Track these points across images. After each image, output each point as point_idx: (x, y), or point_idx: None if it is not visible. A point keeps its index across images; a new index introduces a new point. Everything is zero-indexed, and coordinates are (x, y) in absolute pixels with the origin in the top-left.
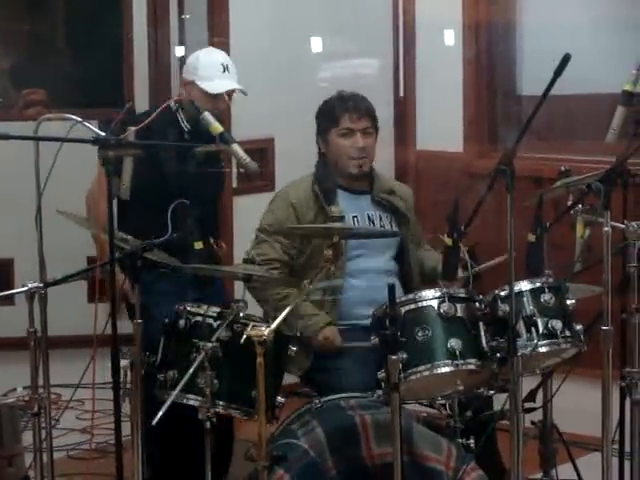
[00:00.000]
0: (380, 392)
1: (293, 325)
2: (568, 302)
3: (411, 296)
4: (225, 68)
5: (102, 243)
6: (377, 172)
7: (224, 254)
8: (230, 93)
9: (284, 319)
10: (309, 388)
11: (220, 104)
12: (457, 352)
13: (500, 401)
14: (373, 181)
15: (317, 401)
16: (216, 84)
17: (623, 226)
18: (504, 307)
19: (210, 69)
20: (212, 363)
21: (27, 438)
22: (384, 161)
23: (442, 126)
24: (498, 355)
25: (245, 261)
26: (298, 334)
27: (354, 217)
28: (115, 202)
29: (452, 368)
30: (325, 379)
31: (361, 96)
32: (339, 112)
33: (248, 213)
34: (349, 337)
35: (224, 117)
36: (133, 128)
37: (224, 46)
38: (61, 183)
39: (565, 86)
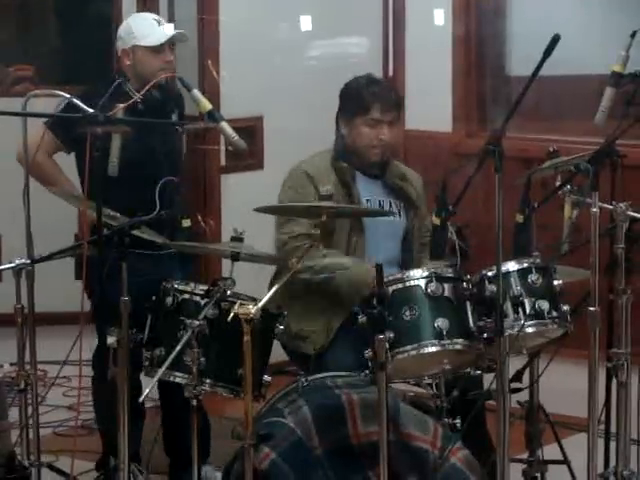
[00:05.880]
0: (367, 371)
1: (343, 281)
2: (555, 283)
3: (399, 275)
4: (158, 22)
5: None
6: (390, 157)
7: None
8: (172, 45)
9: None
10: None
11: (167, 56)
12: (444, 332)
13: (488, 381)
14: (386, 166)
15: (304, 380)
16: (158, 35)
17: (611, 207)
18: (491, 287)
19: (145, 26)
20: (199, 341)
21: (13, 414)
22: None
23: (431, 106)
24: (485, 335)
25: (233, 239)
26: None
27: (367, 200)
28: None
29: (439, 348)
30: (338, 364)
31: (390, 85)
32: (370, 101)
33: (236, 191)
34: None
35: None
36: (121, 105)
37: (213, 24)
38: None
39: (554, 67)
